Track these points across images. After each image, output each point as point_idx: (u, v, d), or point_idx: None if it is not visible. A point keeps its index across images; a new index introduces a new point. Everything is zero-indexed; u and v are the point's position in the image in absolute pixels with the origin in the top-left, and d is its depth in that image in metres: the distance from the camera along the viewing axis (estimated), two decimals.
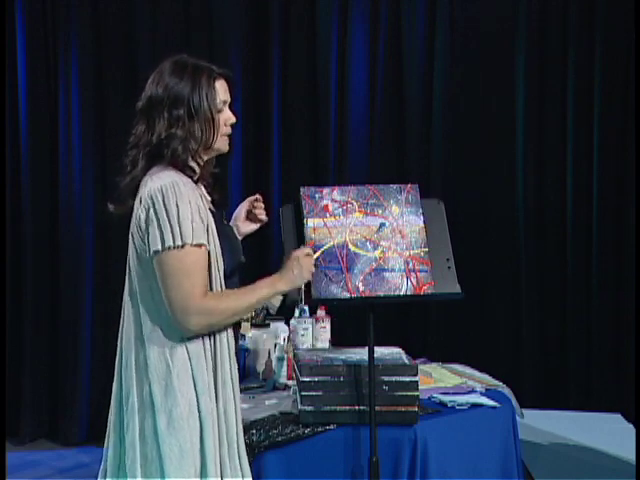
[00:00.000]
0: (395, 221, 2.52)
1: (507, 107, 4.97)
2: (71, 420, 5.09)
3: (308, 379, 2.59)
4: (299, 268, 2.32)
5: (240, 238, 2.64)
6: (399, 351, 2.82)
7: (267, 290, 2.30)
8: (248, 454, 2.51)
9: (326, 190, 2.54)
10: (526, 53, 4.93)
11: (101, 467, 2.36)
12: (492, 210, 4.99)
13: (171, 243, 2.17)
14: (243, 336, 3.18)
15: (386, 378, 2.58)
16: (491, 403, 2.87)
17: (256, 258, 4.95)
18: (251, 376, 3.16)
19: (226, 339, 2.27)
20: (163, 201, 2.19)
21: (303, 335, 3.25)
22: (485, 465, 2.79)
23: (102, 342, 4.95)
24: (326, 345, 3.26)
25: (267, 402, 2.86)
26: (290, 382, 3.04)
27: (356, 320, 4.25)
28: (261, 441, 2.55)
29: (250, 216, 2.66)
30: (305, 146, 5.16)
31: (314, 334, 3.27)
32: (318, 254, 2.45)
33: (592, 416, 4.25)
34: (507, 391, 3.07)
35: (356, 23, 5.06)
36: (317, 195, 2.53)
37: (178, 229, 2.18)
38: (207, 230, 2.25)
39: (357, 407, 2.59)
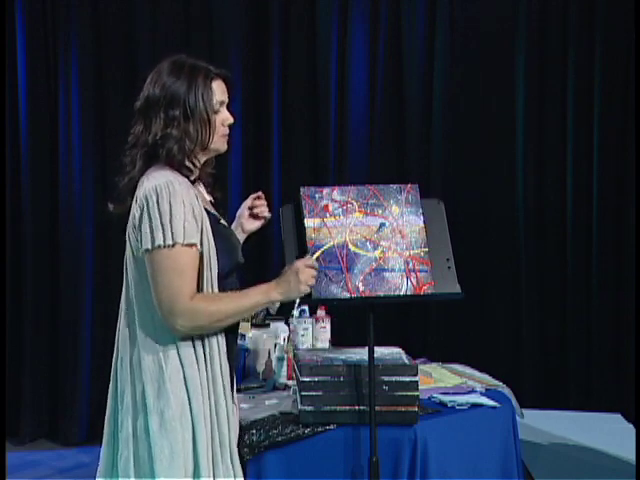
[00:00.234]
0: (395, 221, 2.52)
1: (507, 107, 4.98)
2: (71, 420, 5.10)
3: (308, 379, 2.59)
4: (296, 280, 2.29)
5: (245, 236, 2.64)
6: (399, 351, 2.82)
7: (260, 297, 2.29)
8: (248, 454, 2.52)
9: (326, 190, 2.54)
10: (526, 53, 4.94)
11: (98, 467, 2.37)
12: (492, 210, 5.00)
13: (161, 242, 2.17)
14: (243, 336, 3.18)
15: (386, 378, 2.58)
16: (491, 403, 2.87)
17: (256, 258, 4.95)
18: (251, 376, 3.16)
19: (216, 340, 2.27)
20: (157, 200, 2.19)
21: (303, 335, 3.25)
22: (485, 465, 2.79)
23: (102, 342, 4.94)
24: (326, 345, 3.26)
25: (267, 402, 2.86)
26: (290, 382, 3.04)
27: (356, 320, 4.25)
28: (261, 441, 2.55)
29: (253, 213, 2.65)
30: (305, 146, 5.16)
31: (314, 334, 3.27)
32: (318, 254, 2.45)
33: (592, 416, 4.26)
34: (507, 391, 3.07)
35: (356, 23, 5.06)
36: (317, 195, 2.53)
37: (169, 228, 2.18)
38: (201, 230, 2.24)
39: (357, 407, 2.59)
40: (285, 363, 3.09)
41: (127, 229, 2.29)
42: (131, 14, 5.12)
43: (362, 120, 5.08)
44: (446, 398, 2.85)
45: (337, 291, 2.43)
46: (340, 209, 2.52)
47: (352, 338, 3.12)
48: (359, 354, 2.73)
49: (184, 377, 2.22)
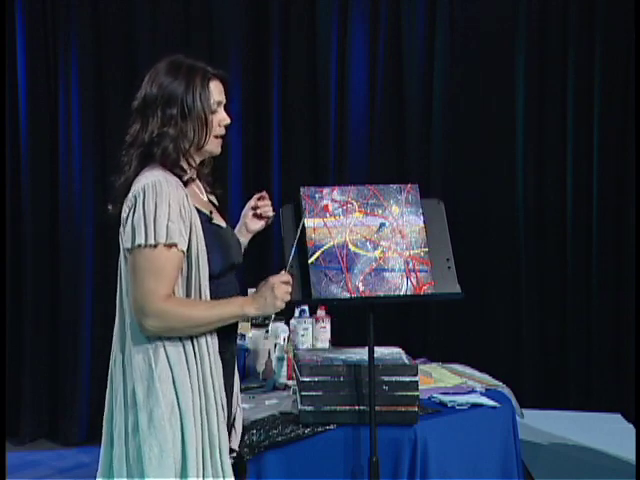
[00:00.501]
0: (395, 221, 2.52)
1: (507, 107, 4.97)
2: (71, 420, 5.10)
3: (308, 379, 2.59)
4: (272, 296, 2.28)
5: (250, 236, 2.64)
6: (399, 351, 2.82)
7: (234, 310, 2.28)
8: (248, 454, 2.52)
9: (326, 190, 2.54)
10: (526, 53, 4.93)
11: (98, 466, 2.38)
12: (492, 210, 4.99)
13: (143, 241, 2.18)
14: (243, 336, 3.18)
15: (386, 378, 2.58)
16: (491, 403, 2.87)
17: (256, 258, 4.95)
18: (251, 376, 3.16)
19: (205, 341, 2.26)
20: (143, 200, 2.20)
21: (303, 335, 3.25)
22: (485, 465, 2.79)
23: (102, 342, 4.93)
24: (326, 345, 3.26)
25: (267, 402, 2.86)
26: (290, 382, 3.04)
27: (356, 320, 4.25)
28: (261, 441, 2.55)
29: (257, 213, 2.65)
30: (305, 146, 5.16)
31: (314, 334, 3.27)
32: (318, 254, 2.45)
33: (592, 416, 4.26)
34: (507, 391, 3.07)
35: (356, 23, 5.06)
36: (317, 195, 2.53)
37: (153, 228, 2.18)
38: (190, 230, 2.24)
39: (357, 407, 2.59)
40: (285, 363, 3.09)
41: (120, 228, 2.29)
42: (131, 14, 5.12)
43: (362, 120, 5.08)
44: (446, 398, 2.86)
45: (337, 291, 2.43)
46: (340, 209, 2.52)
47: (352, 338, 3.12)
48: (359, 354, 2.73)
49: (173, 376, 2.22)
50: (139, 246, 2.19)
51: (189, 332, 2.24)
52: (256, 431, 2.57)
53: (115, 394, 2.29)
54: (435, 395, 2.90)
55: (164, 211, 2.19)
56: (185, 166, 2.34)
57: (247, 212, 2.66)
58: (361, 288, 2.44)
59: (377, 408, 2.48)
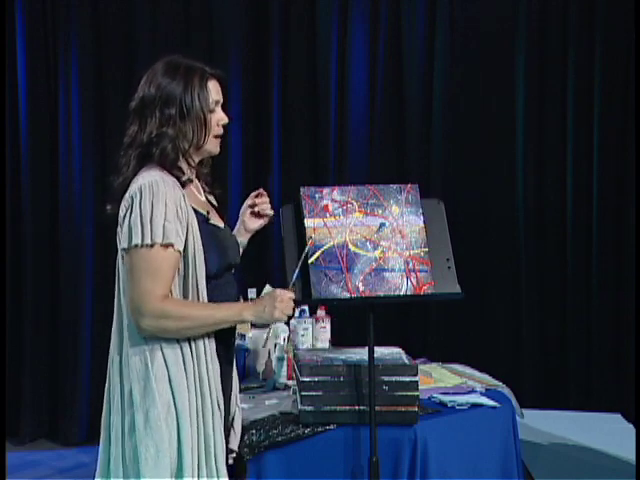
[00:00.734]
0: (395, 221, 2.52)
1: (507, 107, 4.97)
2: (71, 420, 5.10)
3: (308, 379, 2.59)
4: (272, 308, 2.28)
5: (249, 235, 2.63)
6: (399, 351, 2.82)
7: (231, 313, 2.28)
8: (248, 454, 2.52)
9: (326, 190, 2.54)
10: (526, 53, 4.93)
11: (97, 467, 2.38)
12: (492, 210, 4.99)
13: (139, 241, 2.18)
14: (243, 336, 3.18)
15: (386, 378, 2.58)
16: (491, 403, 2.87)
17: (255, 258, 4.95)
18: (251, 376, 3.16)
19: (202, 342, 2.26)
20: (139, 200, 2.20)
21: (303, 335, 3.25)
22: (485, 465, 2.79)
23: (102, 342, 4.88)
24: (326, 345, 3.26)
25: (267, 402, 2.86)
26: (290, 382, 3.04)
27: (356, 320, 4.25)
28: (261, 441, 2.55)
29: (255, 212, 2.64)
30: (305, 146, 5.16)
31: (314, 334, 3.27)
32: (318, 254, 2.45)
33: (592, 416, 4.25)
34: (507, 391, 3.07)
35: (356, 23, 5.06)
36: (317, 195, 2.53)
37: (149, 228, 2.18)
38: (187, 230, 2.24)
39: (357, 407, 2.59)
40: (285, 363, 3.09)
41: (117, 228, 2.30)
42: (131, 14, 5.12)
43: (362, 120, 5.08)
44: (446, 398, 2.85)
45: (337, 291, 2.43)
46: (340, 209, 2.52)
47: (352, 338, 3.12)
48: (359, 354, 2.73)
49: (169, 376, 2.22)
50: (136, 246, 2.19)
51: (185, 333, 2.23)
52: (256, 431, 2.57)
53: (112, 394, 2.29)
54: (435, 395, 2.90)
55: (161, 211, 2.19)
56: (184, 166, 2.34)
57: (245, 211, 2.64)
58: (361, 288, 2.44)
59: (377, 408, 2.48)
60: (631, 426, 3.99)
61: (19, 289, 5.10)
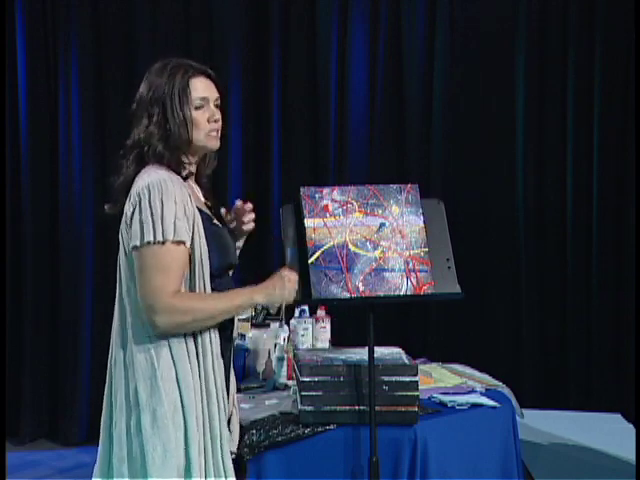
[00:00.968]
0: (395, 221, 2.52)
1: (507, 107, 4.97)
2: (71, 420, 5.10)
3: (308, 379, 2.59)
4: (282, 287, 2.32)
5: (243, 238, 2.63)
6: (399, 351, 2.82)
7: (244, 299, 2.30)
8: (248, 454, 2.52)
9: (326, 190, 2.54)
10: (526, 53, 4.93)
11: (95, 466, 2.38)
12: (492, 210, 4.99)
13: (151, 238, 2.18)
14: (243, 336, 3.18)
15: (386, 378, 2.58)
16: (491, 403, 2.87)
17: (256, 258, 4.95)
18: (251, 376, 3.16)
19: (209, 339, 2.27)
20: (148, 198, 2.20)
21: (303, 335, 3.25)
22: (485, 465, 2.79)
23: (102, 342, 4.89)
24: (326, 345, 3.26)
25: (267, 402, 2.86)
26: (290, 382, 3.04)
27: (356, 320, 4.25)
28: (261, 441, 2.55)
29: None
30: (305, 146, 5.16)
31: (314, 334, 3.27)
32: (318, 254, 2.45)
33: (592, 416, 4.25)
34: (507, 391, 3.07)
35: (356, 23, 5.06)
36: (317, 195, 2.53)
37: (160, 225, 2.18)
38: (193, 229, 2.25)
39: (357, 407, 2.59)
40: (285, 363, 3.09)
41: (120, 227, 2.29)
42: (131, 14, 5.12)
43: (362, 120, 5.08)
44: (446, 398, 2.85)
45: (337, 291, 2.43)
46: (340, 209, 2.52)
47: (352, 338, 3.11)
48: (359, 354, 2.73)
49: (176, 375, 2.22)
50: (148, 243, 2.19)
51: (200, 326, 2.24)
52: (256, 431, 2.57)
53: (115, 394, 2.29)
54: (435, 395, 2.90)
55: (171, 209, 2.20)
56: (184, 161, 2.34)
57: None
58: (361, 288, 2.44)
59: (377, 408, 2.48)
60: (631, 426, 3.98)
61: (19, 289, 5.10)
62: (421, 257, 2.49)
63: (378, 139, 5.08)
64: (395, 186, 2.57)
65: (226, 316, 2.30)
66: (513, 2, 4.95)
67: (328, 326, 3.29)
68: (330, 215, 2.50)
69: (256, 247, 4.98)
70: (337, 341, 3.33)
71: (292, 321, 3.27)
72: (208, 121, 2.35)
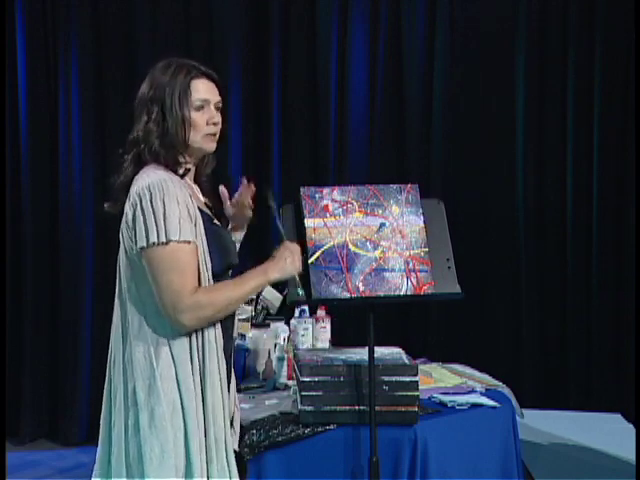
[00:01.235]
0: (395, 221, 2.52)
1: (507, 107, 4.97)
2: (71, 420, 5.10)
3: (308, 379, 2.59)
4: (291, 257, 2.34)
5: (244, 229, 2.65)
6: (399, 351, 2.82)
7: (260, 278, 2.33)
8: (248, 454, 2.52)
9: (326, 190, 2.54)
10: (526, 53, 4.93)
11: (94, 466, 2.38)
12: (492, 210, 4.99)
13: (155, 240, 2.18)
14: (243, 336, 3.18)
15: (386, 378, 2.58)
16: (491, 403, 2.87)
17: (256, 258, 4.94)
18: (251, 376, 3.16)
19: (214, 337, 2.27)
20: (150, 199, 2.20)
21: (303, 335, 3.25)
22: (485, 465, 2.79)
23: (102, 342, 4.88)
24: (326, 345, 3.26)
25: (267, 402, 2.86)
26: (290, 382, 3.04)
27: (356, 320, 4.25)
28: (261, 441, 2.55)
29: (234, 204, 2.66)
30: (305, 146, 5.16)
31: (314, 334, 3.26)
32: (318, 254, 2.45)
33: (592, 416, 4.25)
34: (507, 391, 3.07)
35: (356, 23, 5.06)
36: (317, 195, 2.53)
37: (163, 226, 2.18)
38: (195, 229, 2.25)
39: (357, 407, 2.59)
40: (285, 363, 3.09)
41: (121, 227, 2.29)
42: (131, 14, 5.12)
43: (362, 120, 5.08)
44: (446, 398, 2.86)
45: (337, 291, 2.43)
46: (340, 209, 2.52)
47: (352, 338, 3.12)
48: (359, 354, 2.73)
49: (175, 374, 2.22)
50: (154, 244, 2.19)
51: (223, 314, 2.27)
52: (256, 431, 2.57)
53: (114, 393, 2.29)
54: (435, 395, 2.90)
55: (174, 209, 2.20)
56: (181, 163, 2.34)
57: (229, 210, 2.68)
58: (361, 288, 2.44)
59: (377, 408, 2.48)
60: (631, 426, 3.98)
61: (19, 289, 5.10)
62: (421, 257, 2.49)
63: (378, 139, 5.08)
64: (395, 186, 2.57)
65: (244, 300, 2.38)
66: (513, 2, 4.95)
67: (328, 326, 3.29)
68: (330, 215, 2.50)
69: (256, 247, 5.00)
70: (337, 341, 3.33)
71: (292, 321, 3.27)
72: (207, 123, 2.35)
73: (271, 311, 3.28)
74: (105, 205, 2.36)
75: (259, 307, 3.27)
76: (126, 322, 2.28)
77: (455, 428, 2.73)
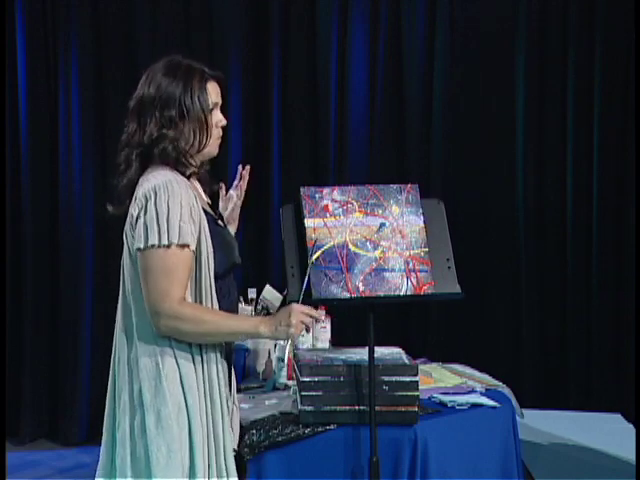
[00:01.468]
0: (395, 221, 2.52)
1: (507, 107, 4.97)
2: (71, 420, 5.09)
3: (308, 379, 2.59)
4: (287, 324, 2.27)
5: (236, 222, 2.66)
6: (399, 351, 2.82)
7: (248, 327, 2.29)
8: (248, 454, 2.52)
9: (326, 190, 2.54)
10: (526, 53, 4.93)
11: (98, 466, 2.37)
12: (492, 210, 4.99)
13: (156, 242, 2.18)
14: None
15: (386, 378, 2.58)
16: (491, 403, 2.87)
17: (256, 258, 4.95)
18: (251, 376, 3.16)
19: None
20: (155, 200, 2.20)
21: (303, 335, 3.23)
22: (485, 465, 2.79)
23: (102, 342, 4.94)
24: (326, 345, 3.26)
25: (267, 402, 2.86)
26: (290, 382, 3.04)
27: (356, 320, 4.25)
28: (261, 441, 2.55)
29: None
30: (305, 146, 5.16)
31: (314, 334, 3.26)
32: (318, 254, 2.45)
33: (592, 416, 4.25)
34: (507, 391, 3.07)
35: (356, 23, 5.06)
36: (317, 195, 2.53)
37: (166, 228, 2.18)
38: (199, 230, 2.25)
39: (357, 407, 2.59)
40: (285, 363, 3.09)
41: (125, 228, 2.29)
42: (131, 14, 5.11)
43: (362, 120, 5.08)
44: (446, 398, 2.86)
45: (337, 291, 2.43)
46: (340, 209, 2.52)
47: (352, 338, 3.12)
48: (359, 354, 2.73)
49: (180, 376, 2.22)
50: (152, 246, 2.19)
51: (200, 339, 2.24)
52: (256, 431, 2.57)
53: (119, 394, 2.29)
54: (435, 395, 2.90)
55: (177, 211, 2.20)
56: (187, 164, 2.35)
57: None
58: (361, 288, 2.44)
59: (377, 408, 2.48)
60: (631, 426, 3.98)
61: (19, 289, 5.10)
62: (421, 257, 2.49)
63: (378, 139, 5.08)
64: (395, 186, 2.57)
65: (227, 338, 2.30)
66: (513, 2, 4.94)
67: (328, 326, 3.29)
68: (330, 215, 2.50)
69: (256, 247, 5.01)
70: (337, 341, 3.33)
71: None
72: (216, 125, 2.37)
73: (271, 311, 3.28)
74: (108, 208, 2.36)
75: (259, 307, 3.27)
76: (130, 323, 2.28)
77: (455, 428, 2.73)
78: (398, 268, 2.47)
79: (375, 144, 5.08)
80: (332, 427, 2.60)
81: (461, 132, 5.02)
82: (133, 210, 2.25)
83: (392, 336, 3.75)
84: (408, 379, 2.59)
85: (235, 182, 2.76)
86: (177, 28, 5.11)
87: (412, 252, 2.49)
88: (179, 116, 2.30)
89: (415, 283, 2.46)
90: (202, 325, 2.21)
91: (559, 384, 4.90)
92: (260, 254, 5.01)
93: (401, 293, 2.46)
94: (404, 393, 2.59)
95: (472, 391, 2.98)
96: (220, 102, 2.40)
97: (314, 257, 2.42)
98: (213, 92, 2.37)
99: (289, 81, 5.14)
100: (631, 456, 3.48)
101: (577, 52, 4.88)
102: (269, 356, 3.15)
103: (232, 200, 2.72)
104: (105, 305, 4.97)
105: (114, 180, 2.35)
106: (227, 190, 2.76)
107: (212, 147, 2.39)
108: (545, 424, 3.98)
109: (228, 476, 2.28)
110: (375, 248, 2.49)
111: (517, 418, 2.99)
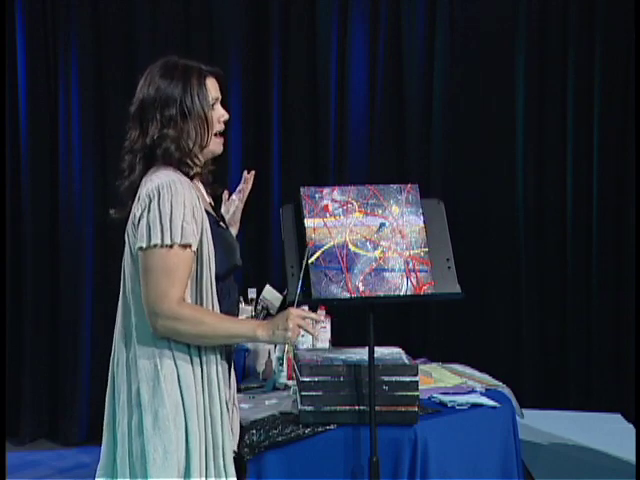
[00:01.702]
0: (395, 221, 2.52)
1: (507, 107, 4.97)
2: (71, 420, 5.10)
3: (308, 379, 2.59)
4: (284, 328, 2.26)
5: (237, 224, 2.66)
6: (399, 351, 2.82)
7: (245, 330, 2.28)
8: (248, 454, 2.52)
9: (326, 190, 2.54)
10: (526, 53, 4.93)
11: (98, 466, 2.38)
12: (492, 210, 4.99)
13: (158, 241, 2.18)
14: None
15: (386, 378, 2.58)
16: (491, 403, 2.87)
17: (256, 258, 4.95)
18: (251, 376, 3.16)
19: None
20: (158, 200, 2.20)
21: (303, 335, 3.23)
22: (485, 465, 2.79)
23: (102, 342, 4.94)
24: (326, 345, 3.26)
25: (267, 402, 2.86)
26: (290, 382, 3.04)
27: (356, 320, 4.25)
28: (261, 441, 2.55)
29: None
30: (305, 146, 5.16)
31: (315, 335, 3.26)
32: (318, 254, 2.45)
33: (592, 416, 4.25)
34: (507, 391, 3.07)
35: (356, 23, 5.06)
36: (317, 195, 2.53)
37: (168, 228, 2.18)
38: (201, 231, 2.25)
39: (357, 407, 2.59)
40: (285, 363, 3.09)
41: (127, 228, 2.29)
42: (131, 14, 5.12)
43: (362, 120, 5.08)
44: (446, 398, 2.85)
45: (337, 291, 2.43)
46: (340, 209, 2.52)
47: (352, 338, 3.12)
48: (359, 354, 2.73)
49: (178, 376, 2.22)
50: (155, 246, 2.19)
51: (198, 340, 2.24)
52: (256, 431, 2.57)
53: (118, 394, 2.29)
54: (435, 395, 2.90)
55: (180, 211, 2.20)
56: (190, 163, 2.35)
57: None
58: (361, 288, 2.44)
59: (377, 408, 2.48)
60: (631, 426, 3.98)
61: (19, 289, 5.10)
62: (421, 257, 2.49)
63: (378, 139, 5.08)
64: (395, 186, 2.57)
65: (224, 340, 2.29)
66: (513, 2, 4.94)
67: (328, 326, 3.29)
68: (330, 215, 2.50)
69: (256, 247, 5.01)
70: (337, 341, 3.33)
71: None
72: (218, 121, 2.38)
73: (271, 311, 3.27)
74: (111, 212, 2.37)
75: (259, 307, 3.27)
76: (130, 323, 2.28)
77: (455, 428, 2.73)
78: (398, 268, 2.47)
79: (375, 144, 5.08)
80: (332, 427, 2.59)
81: (461, 132, 5.02)
82: (136, 210, 2.25)
83: (392, 336, 3.75)
84: (408, 379, 2.59)
85: (239, 186, 2.76)
86: (177, 28, 5.11)
87: (412, 252, 2.49)
88: (180, 116, 2.30)
89: (415, 283, 2.46)
90: (200, 326, 2.21)
91: (559, 384, 4.90)
92: (260, 254, 5.01)
93: (401, 293, 2.45)
94: (404, 393, 2.59)
95: (472, 391, 2.98)
96: (220, 97, 2.40)
97: (313, 257, 2.42)
98: (212, 88, 2.37)
99: (289, 81, 5.14)
100: (631, 456, 3.48)
101: (577, 52, 4.88)
102: (269, 356, 3.15)
103: (234, 203, 2.72)
104: (105, 305, 4.97)
105: (117, 183, 2.35)
106: (230, 194, 2.76)
107: (214, 145, 2.39)
108: (545, 424, 3.97)
109: (227, 476, 2.28)
110: (375, 248, 2.49)
111: (517, 418, 2.99)
